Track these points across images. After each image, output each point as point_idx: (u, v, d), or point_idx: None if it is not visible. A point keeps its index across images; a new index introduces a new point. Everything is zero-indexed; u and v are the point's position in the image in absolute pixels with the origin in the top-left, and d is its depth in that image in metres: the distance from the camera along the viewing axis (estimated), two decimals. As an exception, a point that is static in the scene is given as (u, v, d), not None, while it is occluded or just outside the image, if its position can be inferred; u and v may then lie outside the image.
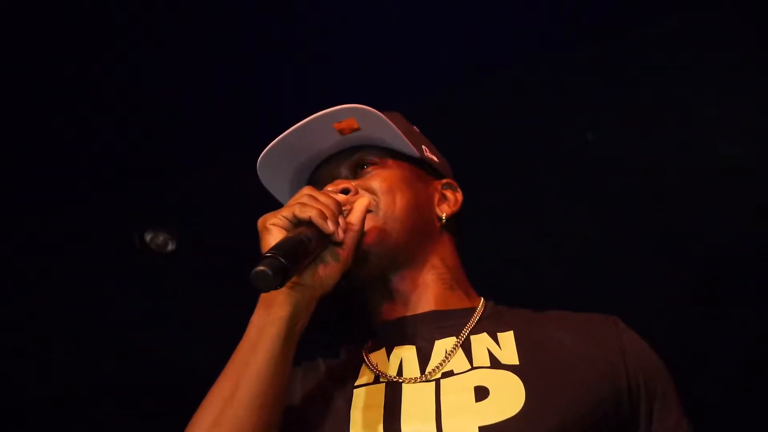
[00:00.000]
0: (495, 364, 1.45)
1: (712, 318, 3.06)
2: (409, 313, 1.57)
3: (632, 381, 1.46)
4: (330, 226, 1.38)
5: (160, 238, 3.09)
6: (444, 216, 1.63)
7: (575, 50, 2.71)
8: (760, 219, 2.93)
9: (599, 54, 2.71)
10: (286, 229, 1.38)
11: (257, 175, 1.67)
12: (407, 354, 1.50)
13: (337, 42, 2.68)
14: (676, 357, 2.89)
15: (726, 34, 2.66)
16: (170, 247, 3.11)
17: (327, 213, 1.38)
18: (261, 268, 1.25)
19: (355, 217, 1.46)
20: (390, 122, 1.59)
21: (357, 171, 1.63)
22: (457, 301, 1.59)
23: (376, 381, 1.48)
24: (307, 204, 1.39)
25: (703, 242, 3.01)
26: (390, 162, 1.63)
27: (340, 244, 1.41)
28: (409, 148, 1.63)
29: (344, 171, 1.64)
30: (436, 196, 1.66)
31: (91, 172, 2.96)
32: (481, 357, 1.47)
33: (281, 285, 1.27)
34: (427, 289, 1.58)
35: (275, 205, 1.60)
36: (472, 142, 2.84)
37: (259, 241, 1.40)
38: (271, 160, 1.65)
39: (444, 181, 1.70)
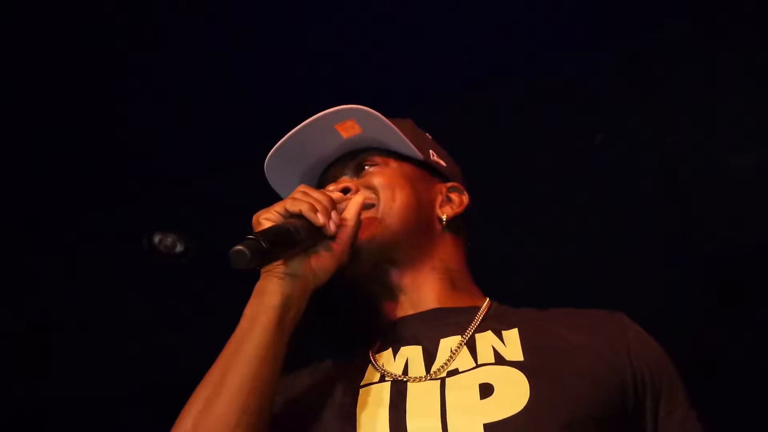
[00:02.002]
0: (499, 360, 1.45)
1: (734, 317, 3.04)
2: (412, 312, 1.58)
3: (637, 375, 1.46)
4: (320, 219, 1.41)
5: (169, 240, 3.11)
6: (445, 217, 1.64)
7: (593, 52, 2.70)
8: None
9: (618, 55, 2.70)
10: (278, 221, 1.42)
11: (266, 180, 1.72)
12: (413, 353, 1.51)
13: (347, 45, 2.69)
14: (696, 356, 2.89)
15: (745, 34, 2.64)
16: (179, 248, 3.13)
17: (318, 207, 1.42)
18: (239, 247, 1.28)
19: (349, 213, 1.49)
20: (390, 123, 1.61)
21: (359, 171, 1.66)
22: (461, 300, 1.60)
23: (382, 380, 1.49)
24: (298, 199, 1.43)
25: (724, 242, 2.99)
26: (392, 162, 1.65)
27: (333, 237, 1.45)
28: (412, 150, 1.65)
29: (348, 172, 1.67)
30: (439, 198, 1.67)
31: (117, 176, 3.00)
32: (485, 354, 1.47)
33: (259, 266, 1.32)
34: (429, 288, 1.60)
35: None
36: (489, 143, 2.83)
37: None
38: (278, 164, 1.68)
39: (450, 184, 1.71)
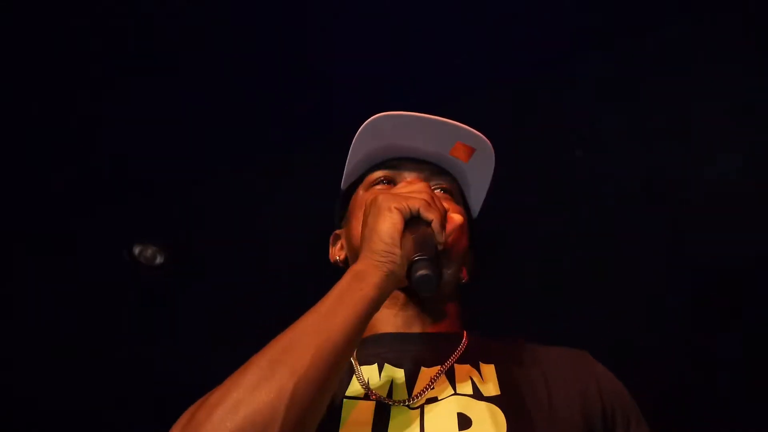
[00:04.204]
0: (477, 395, 1.47)
1: (715, 324, 3.06)
2: (403, 330, 1.60)
3: (607, 409, 1.51)
4: (444, 236, 1.45)
5: (149, 252, 3.12)
6: (464, 279, 1.69)
7: (592, 52, 2.70)
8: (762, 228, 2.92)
9: (618, 56, 2.70)
10: (404, 216, 1.43)
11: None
12: (397, 376, 1.52)
13: (347, 45, 2.68)
14: (680, 362, 2.89)
15: (732, 42, 2.64)
16: (158, 260, 3.16)
17: (443, 222, 1.46)
18: (427, 272, 1.35)
19: (449, 230, 1.51)
20: (490, 178, 1.68)
21: (437, 190, 1.68)
22: (447, 327, 1.63)
23: (366, 398, 1.49)
24: (432, 206, 1.45)
25: (706, 251, 3.00)
26: (461, 203, 1.71)
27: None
28: (478, 206, 1.74)
29: (430, 181, 1.68)
30: (466, 258, 1.71)
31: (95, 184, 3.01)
32: (464, 385, 1.49)
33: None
34: (427, 313, 1.61)
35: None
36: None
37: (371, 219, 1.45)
38: (380, 125, 1.65)
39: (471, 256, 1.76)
